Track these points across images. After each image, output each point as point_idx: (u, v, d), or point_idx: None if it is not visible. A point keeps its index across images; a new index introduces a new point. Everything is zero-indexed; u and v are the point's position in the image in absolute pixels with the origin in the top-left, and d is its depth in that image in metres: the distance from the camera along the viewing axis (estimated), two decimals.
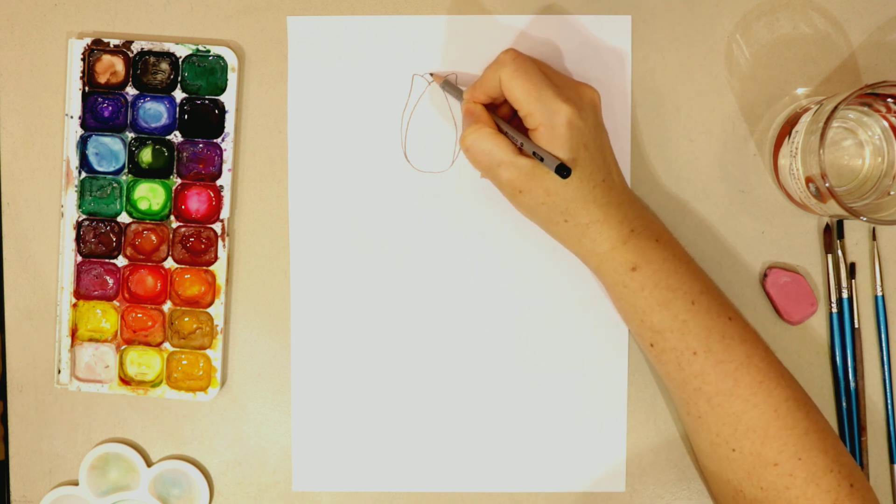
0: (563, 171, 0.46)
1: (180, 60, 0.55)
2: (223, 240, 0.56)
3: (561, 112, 0.48)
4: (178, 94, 0.55)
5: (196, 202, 0.56)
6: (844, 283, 0.55)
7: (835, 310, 0.56)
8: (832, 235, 0.56)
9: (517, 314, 0.56)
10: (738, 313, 0.51)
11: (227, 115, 0.55)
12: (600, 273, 0.51)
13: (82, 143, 0.56)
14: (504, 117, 0.53)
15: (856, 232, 0.56)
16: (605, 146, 0.51)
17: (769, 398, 0.48)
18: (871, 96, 0.51)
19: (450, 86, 0.55)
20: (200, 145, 0.56)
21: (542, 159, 0.48)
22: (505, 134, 0.50)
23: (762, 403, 0.48)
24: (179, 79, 0.55)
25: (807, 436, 0.48)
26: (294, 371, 0.57)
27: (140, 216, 0.56)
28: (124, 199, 0.56)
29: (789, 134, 0.52)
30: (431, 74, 0.55)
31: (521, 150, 0.49)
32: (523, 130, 0.50)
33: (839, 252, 0.55)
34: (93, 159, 0.56)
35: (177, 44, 0.55)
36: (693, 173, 0.56)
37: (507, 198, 0.51)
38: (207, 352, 0.56)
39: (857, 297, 0.56)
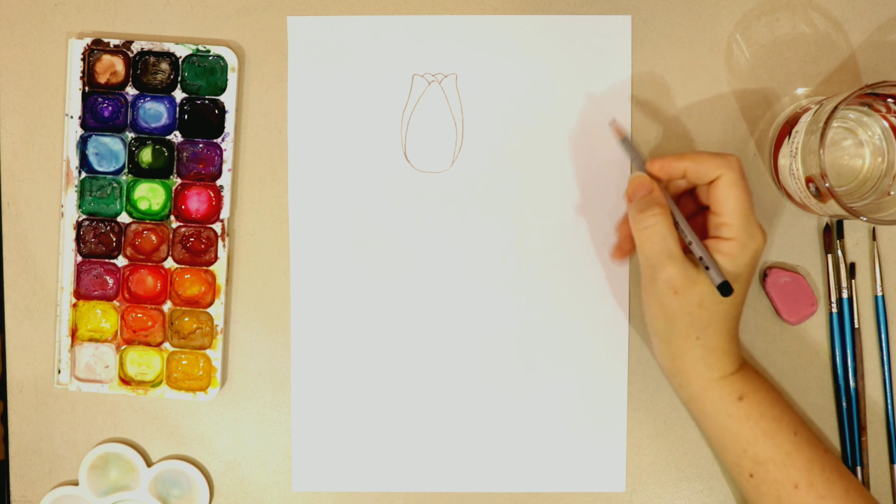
0: (726, 289, 0.47)
1: (180, 60, 0.55)
2: (223, 240, 0.56)
3: (757, 239, 0.48)
4: (178, 94, 0.55)
5: (196, 202, 0.56)
6: (844, 283, 0.55)
7: (835, 310, 0.56)
8: (832, 235, 0.56)
9: (517, 314, 0.56)
10: (830, 449, 0.50)
11: (227, 115, 0.55)
12: (702, 399, 0.50)
13: (82, 143, 0.56)
14: None
15: (856, 232, 0.56)
16: (749, 286, 0.50)
17: None
18: (871, 96, 0.51)
19: (628, 144, 0.53)
20: (200, 145, 0.56)
21: (707, 267, 0.47)
22: (677, 226, 0.49)
23: None
24: (179, 79, 0.55)
25: None
26: (294, 371, 0.57)
27: (140, 216, 0.56)
28: (124, 199, 0.56)
29: (789, 134, 0.52)
30: (612, 126, 0.54)
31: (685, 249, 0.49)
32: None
33: (839, 252, 0.55)
34: (93, 159, 0.56)
35: (177, 44, 0.55)
36: None
37: (654, 294, 0.49)
38: (207, 352, 0.56)
39: (857, 297, 0.56)
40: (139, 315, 0.56)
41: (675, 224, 0.49)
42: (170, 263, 0.56)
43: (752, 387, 0.50)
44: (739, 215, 0.48)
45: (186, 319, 0.56)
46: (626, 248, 0.54)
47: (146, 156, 0.56)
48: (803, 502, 0.48)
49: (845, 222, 0.56)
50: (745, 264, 0.48)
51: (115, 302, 0.56)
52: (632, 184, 0.50)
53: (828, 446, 0.50)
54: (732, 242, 0.48)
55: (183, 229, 0.56)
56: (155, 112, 0.56)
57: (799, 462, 0.48)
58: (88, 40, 0.55)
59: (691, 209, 0.52)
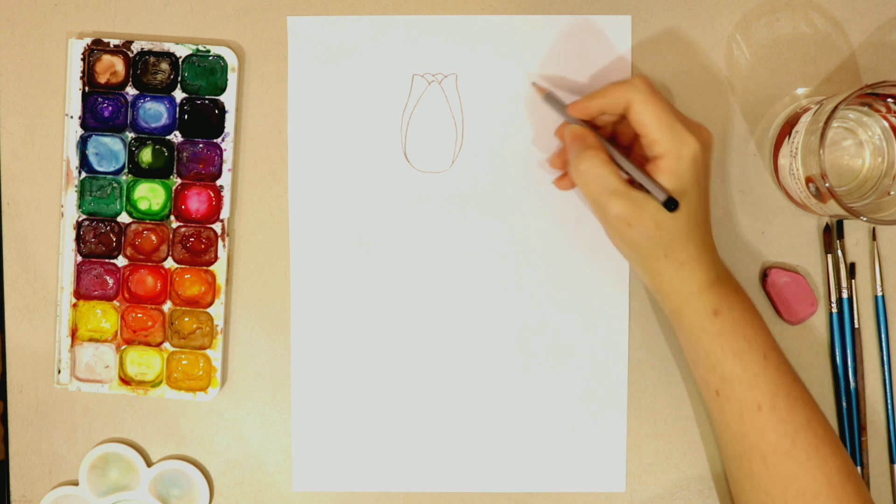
0: (671, 204, 0.47)
1: (180, 60, 0.55)
2: (223, 240, 0.56)
3: (689, 145, 0.48)
4: (178, 94, 0.55)
5: (196, 202, 0.56)
6: (844, 283, 0.55)
7: (835, 310, 0.56)
8: (832, 235, 0.56)
9: (517, 314, 0.56)
10: (800, 378, 0.50)
11: (227, 115, 0.55)
12: (681, 313, 0.50)
13: (82, 143, 0.56)
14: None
15: (856, 232, 0.56)
16: (708, 187, 0.51)
17: (823, 465, 0.48)
18: (871, 96, 0.51)
19: (552, 99, 0.54)
20: (200, 145, 0.56)
21: (647, 191, 0.47)
22: (614, 160, 0.49)
23: (816, 470, 0.48)
24: (179, 79, 0.55)
25: None
26: (294, 371, 0.57)
27: (140, 216, 0.56)
28: (124, 199, 0.56)
29: (789, 134, 0.52)
30: (534, 84, 0.55)
31: (630, 181, 0.49)
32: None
33: (839, 252, 0.55)
34: (93, 159, 0.56)
35: (177, 44, 0.55)
36: None
37: (611, 229, 0.50)
38: (207, 352, 0.56)
39: (857, 298, 0.56)
40: (139, 315, 0.56)
41: (615, 160, 0.49)
42: (170, 263, 0.56)
43: (729, 303, 0.50)
44: (662, 128, 0.48)
45: (186, 319, 0.56)
46: (569, 181, 0.55)
47: (146, 156, 0.56)
48: (764, 424, 0.48)
49: (845, 222, 0.56)
50: (687, 174, 0.48)
51: (115, 302, 0.56)
52: (568, 136, 0.51)
53: (797, 375, 0.50)
54: (666, 157, 0.48)
55: (183, 229, 0.56)
56: (155, 112, 0.56)
57: (765, 384, 0.49)
58: (88, 40, 0.55)
59: (631, 138, 0.53)
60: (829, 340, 0.56)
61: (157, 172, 0.56)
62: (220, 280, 0.56)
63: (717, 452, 0.56)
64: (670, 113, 0.48)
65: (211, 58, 0.55)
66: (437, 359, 0.57)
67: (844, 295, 0.55)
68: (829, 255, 0.56)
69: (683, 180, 0.48)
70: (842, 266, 0.55)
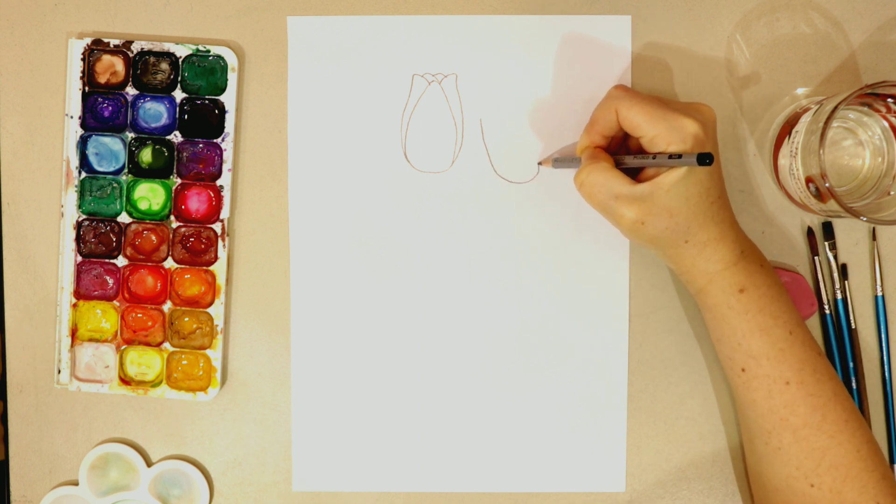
0: (705, 159, 0.45)
1: (180, 60, 0.55)
2: (223, 240, 0.56)
3: (688, 127, 0.47)
4: (178, 94, 0.55)
5: (196, 202, 0.56)
6: (838, 285, 0.55)
7: (828, 311, 0.55)
8: (815, 238, 0.55)
9: (517, 314, 0.56)
10: (823, 352, 0.51)
11: (227, 115, 0.55)
12: (707, 293, 0.50)
13: (82, 143, 0.56)
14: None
15: (855, 232, 0.56)
16: (719, 162, 0.50)
17: (853, 437, 0.48)
18: (871, 96, 0.51)
19: (562, 159, 0.54)
20: (200, 145, 0.56)
21: (679, 156, 0.46)
22: (624, 168, 0.49)
23: (847, 442, 0.48)
24: (179, 79, 0.55)
25: (884, 480, 0.48)
26: (294, 371, 0.57)
27: (140, 216, 0.56)
28: (124, 199, 0.56)
29: (789, 134, 0.52)
30: (539, 164, 0.56)
31: (638, 180, 0.49)
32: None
33: (829, 253, 0.55)
34: (93, 159, 0.56)
35: (177, 44, 0.55)
36: None
37: (627, 232, 0.50)
38: (207, 352, 0.56)
39: (852, 298, 0.56)
40: (139, 315, 0.56)
41: (625, 167, 0.50)
42: (170, 263, 0.56)
43: (754, 280, 0.49)
44: (653, 122, 0.48)
45: (186, 319, 0.56)
46: None
47: (146, 156, 0.56)
48: (793, 398, 0.49)
49: (842, 223, 0.56)
50: (696, 151, 0.47)
51: (115, 302, 0.56)
52: (583, 161, 0.51)
53: (822, 350, 0.50)
54: (672, 146, 0.48)
55: (183, 229, 0.56)
56: (155, 112, 0.56)
57: (791, 360, 0.49)
58: (88, 40, 0.55)
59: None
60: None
61: (157, 172, 0.56)
62: (220, 280, 0.56)
63: (717, 453, 0.56)
64: (657, 105, 0.48)
65: (211, 58, 0.55)
66: (437, 359, 0.57)
67: (839, 296, 0.55)
68: (817, 258, 0.55)
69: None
70: (834, 268, 0.55)
